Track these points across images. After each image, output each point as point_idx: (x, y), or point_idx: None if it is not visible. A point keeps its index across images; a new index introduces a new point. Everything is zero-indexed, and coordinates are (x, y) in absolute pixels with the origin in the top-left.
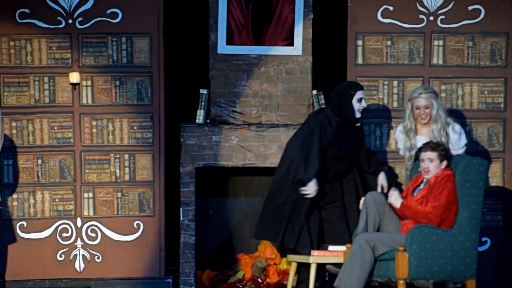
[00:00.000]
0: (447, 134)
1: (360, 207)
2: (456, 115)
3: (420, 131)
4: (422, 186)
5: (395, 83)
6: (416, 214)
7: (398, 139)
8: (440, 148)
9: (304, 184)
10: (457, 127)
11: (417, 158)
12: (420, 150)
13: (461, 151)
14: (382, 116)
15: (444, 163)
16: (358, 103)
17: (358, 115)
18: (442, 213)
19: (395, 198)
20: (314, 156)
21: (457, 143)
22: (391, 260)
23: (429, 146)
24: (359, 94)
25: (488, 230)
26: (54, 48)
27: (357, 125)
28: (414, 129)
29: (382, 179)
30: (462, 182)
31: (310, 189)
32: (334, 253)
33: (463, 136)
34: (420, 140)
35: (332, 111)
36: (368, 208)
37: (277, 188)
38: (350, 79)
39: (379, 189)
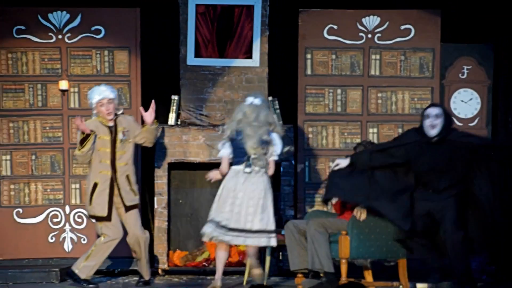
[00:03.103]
0: None
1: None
2: (391, 118)
3: None
4: None
5: (339, 91)
6: None
7: None
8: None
9: None
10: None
11: None
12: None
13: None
14: (327, 119)
15: None
16: (426, 120)
17: (428, 131)
18: None
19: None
20: None
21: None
22: (335, 242)
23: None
24: (426, 112)
25: None
26: (46, 60)
27: (433, 140)
28: None
29: None
30: None
31: None
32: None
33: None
34: None
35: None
36: (291, 242)
37: None
38: (301, 87)
39: None
